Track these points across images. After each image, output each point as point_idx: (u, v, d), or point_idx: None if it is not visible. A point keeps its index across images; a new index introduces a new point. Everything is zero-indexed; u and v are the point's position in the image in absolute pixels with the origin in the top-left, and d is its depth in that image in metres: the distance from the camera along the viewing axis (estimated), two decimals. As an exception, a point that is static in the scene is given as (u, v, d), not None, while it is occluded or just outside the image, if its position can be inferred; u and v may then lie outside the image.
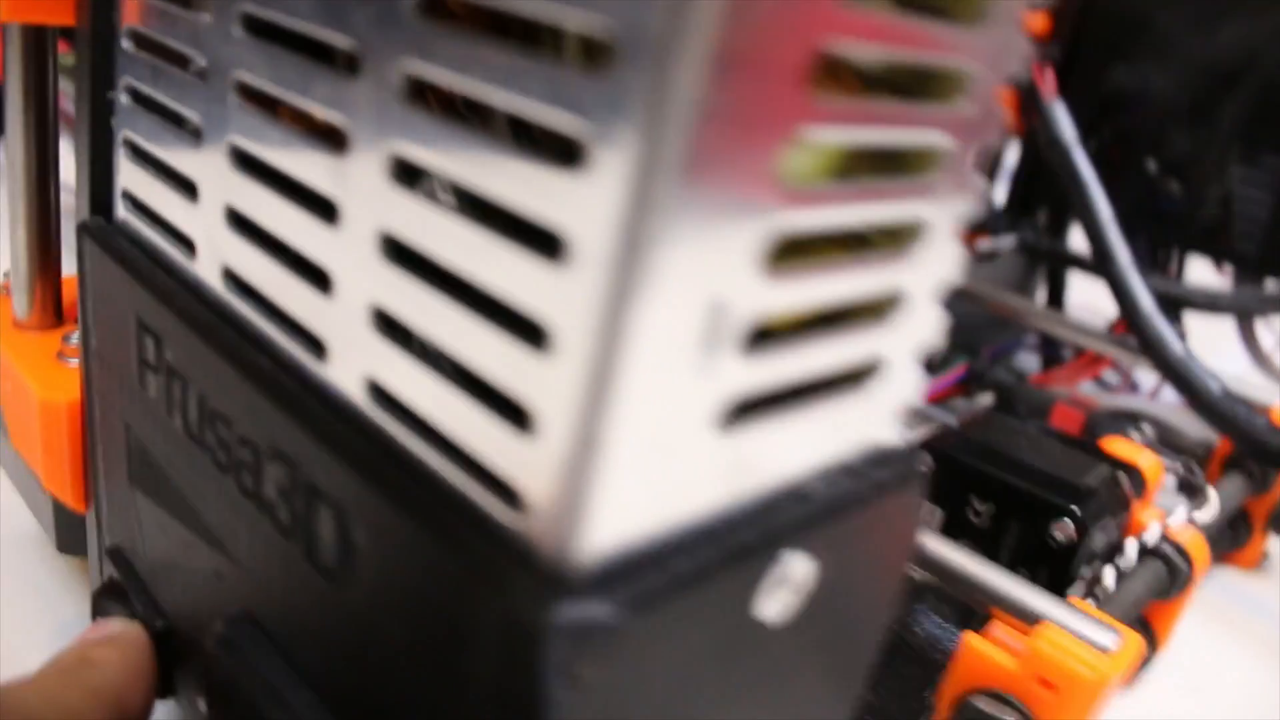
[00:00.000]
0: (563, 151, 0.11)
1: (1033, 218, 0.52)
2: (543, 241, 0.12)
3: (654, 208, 0.11)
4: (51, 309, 0.26)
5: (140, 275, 0.19)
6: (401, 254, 0.14)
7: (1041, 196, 0.52)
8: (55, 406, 0.23)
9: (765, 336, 0.13)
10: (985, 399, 0.46)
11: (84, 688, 0.18)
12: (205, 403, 0.18)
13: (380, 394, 0.15)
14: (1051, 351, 0.53)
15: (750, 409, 0.14)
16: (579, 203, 0.11)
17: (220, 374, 0.17)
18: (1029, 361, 0.55)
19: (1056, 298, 0.55)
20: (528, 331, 0.12)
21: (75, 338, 0.25)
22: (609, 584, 0.12)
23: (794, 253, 0.13)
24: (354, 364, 0.15)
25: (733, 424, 0.13)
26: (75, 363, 0.25)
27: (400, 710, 0.15)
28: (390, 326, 0.14)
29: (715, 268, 0.12)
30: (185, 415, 0.18)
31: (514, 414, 0.13)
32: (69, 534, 0.26)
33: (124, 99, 0.20)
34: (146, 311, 0.19)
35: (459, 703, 0.13)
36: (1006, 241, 0.50)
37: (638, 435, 0.12)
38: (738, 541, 0.14)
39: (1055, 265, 0.53)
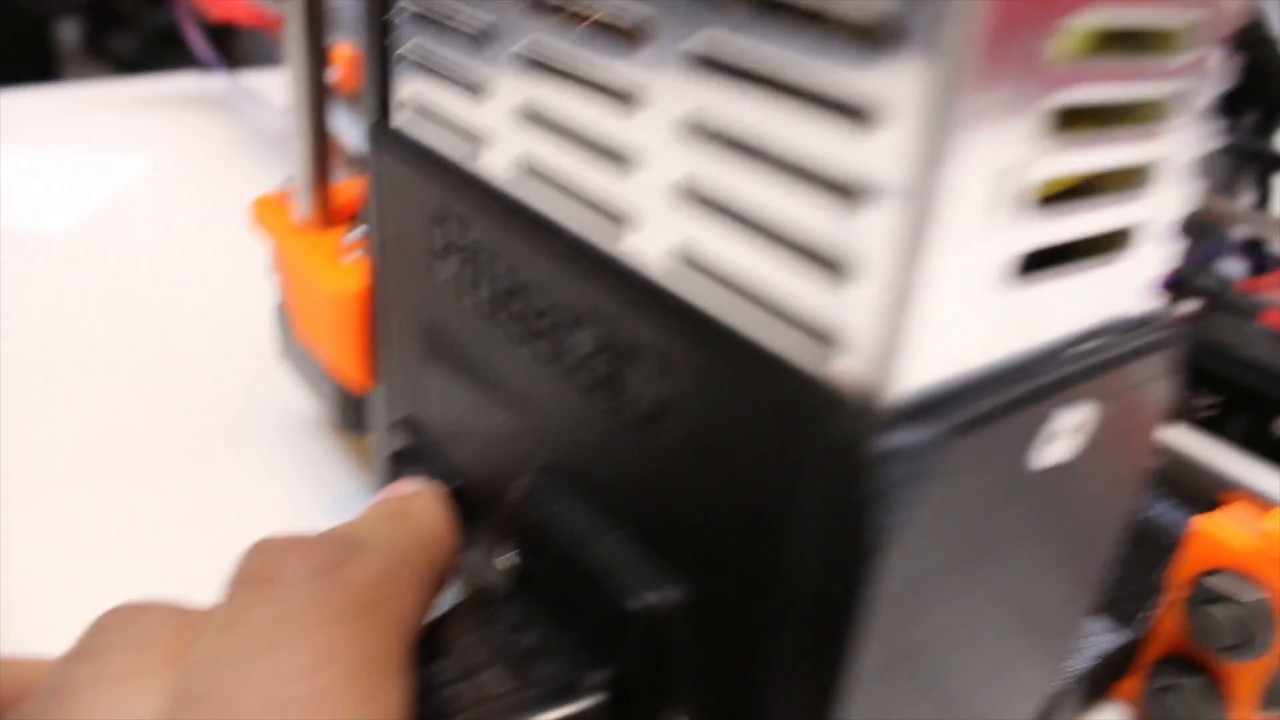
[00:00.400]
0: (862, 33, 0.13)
1: (1240, 117, 0.50)
2: (852, 112, 0.13)
3: (956, 86, 0.12)
4: (326, 211, 0.29)
5: (431, 171, 0.21)
6: (708, 132, 0.15)
7: (1251, 95, 0.50)
8: (341, 297, 0.26)
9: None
10: (1190, 305, 0.45)
11: (407, 531, 0.20)
12: (503, 280, 0.20)
13: (687, 259, 0.16)
14: (1258, 258, 0.51)
15: (1027, 269, 0.15)
16: (898, 81, 0.13)
17: (521, 252, 0.19)
18: (1234, 269, 0.53)
19: (1264, 200, 0.53)
20: (840, 191, 0.14)
21: (356, 234, 0.28)
22: (921, 417, 0.14)
23: (1064, 124, 0.14)
24: (658, 233, 0.17)
25: (1015, 280, 0.15)
26: (355, 257, 0.27)
27: (714, 544, 0.16)
28: (695, 196, 0.16)
29: (1005, 135, 0.13)
30: (480, 294, 0.20)
31: (827, 267, 0.14)
32: (350, 414, 0.30)
33: (403, 15, 0.22)
34: (439, 202, 0.21)
35: (780, 536, 0.15)
36: (1213, 142, 0.48)
37: (945, 284, 0.13)
38: (1021, 390, 0.15)
39: (1264, 167, 0.51)
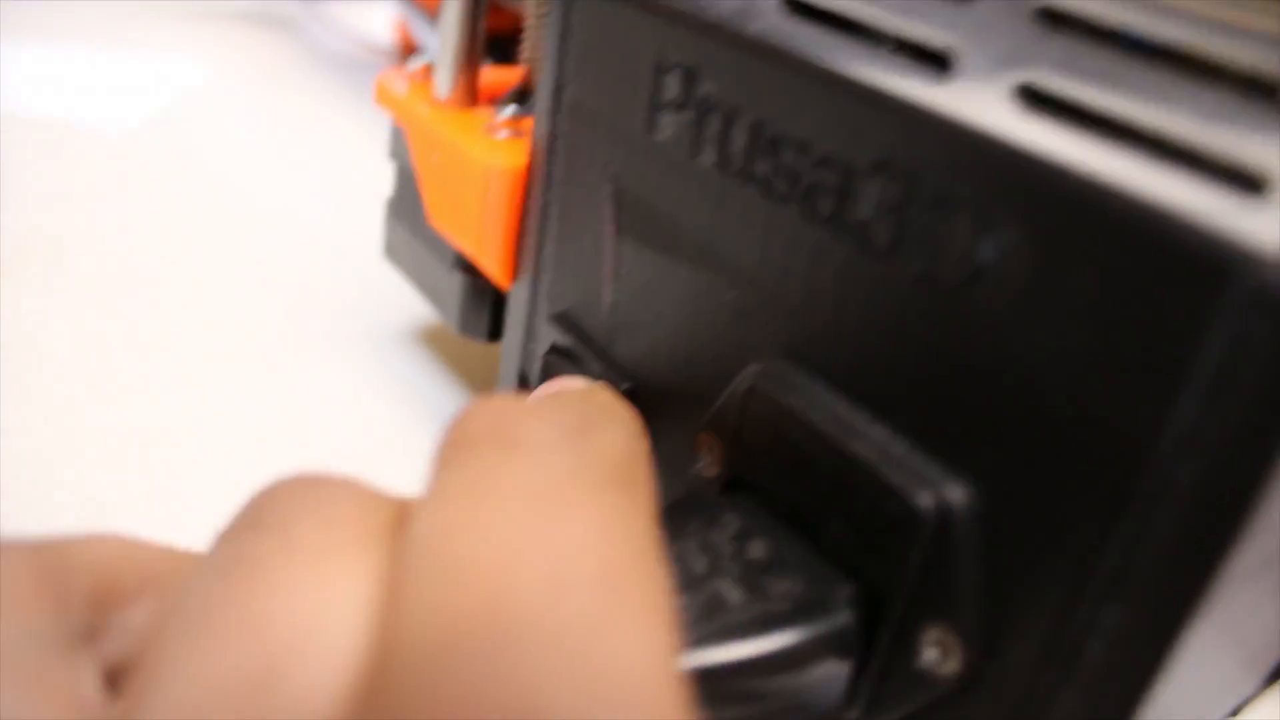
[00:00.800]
0: None
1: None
2: None
3: None
4: (470, 90, 0.27)
5: (660, 15, 0.19)
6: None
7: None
8: (502, 172, 0.23)
9: None
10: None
11: (617, 414, 0.17)
12: (762, 131, 0.17)
13: (1036, 96, 0.14)
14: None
15: None
16: None
17: (798, 97, 0.16)
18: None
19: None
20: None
21: (508, 112, 0.25)
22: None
23: None
24: (998, 71, 0.14)
25: None
26: (505, 135, 0.25)
27: (1031, 431, 0.14)
28: (1060, 18, 0.13)
29: None
30: (723, 150, 0.18)
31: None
32: (472, 316, 0.27)
33: None
34: (676, 47, 0.18)
35: (1151, 417, 0.13)
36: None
37: None
38: None
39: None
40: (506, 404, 0.14)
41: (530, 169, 0.23)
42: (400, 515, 0.13)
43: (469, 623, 0.11)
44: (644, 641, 0.11)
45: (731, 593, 0.16)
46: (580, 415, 0.14)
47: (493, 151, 0.24)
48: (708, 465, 0.19)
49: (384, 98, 0.28)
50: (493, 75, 0.28)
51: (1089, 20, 0.13)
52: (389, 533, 0.13)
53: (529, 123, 0.25)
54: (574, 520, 0.12)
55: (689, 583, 0.16)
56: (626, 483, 0.14)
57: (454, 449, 0.14)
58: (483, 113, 0.26)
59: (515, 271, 0.24)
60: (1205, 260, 0.12)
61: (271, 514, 0.13)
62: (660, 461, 0.21)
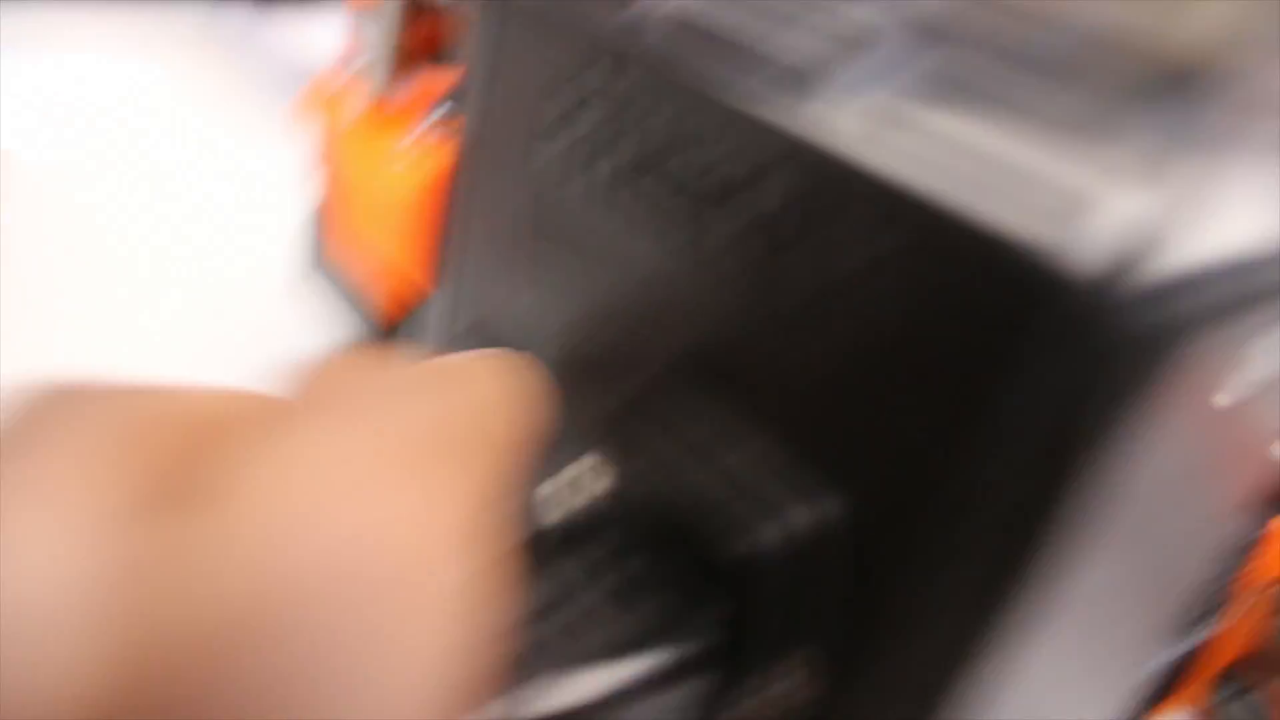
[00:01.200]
0: None
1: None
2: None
3: None
4: (393, 103, 0.27)
5: (559, 35, 0.19)
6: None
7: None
8: (416, 186, 0.24)
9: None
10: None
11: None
12: (647, 144, 0.18)
13: (890, 118, 0.15)
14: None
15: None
16: None
17: (677, 111, 0.17)
18: None
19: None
20: None
21: (445, 109, 0.26)
22: (1173, 299, 0.12)
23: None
24: (860, 89, 0.15)
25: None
26: (433, 143, 0.25)
27: (882, 446, 0.15)
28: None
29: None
30: (613, 164, 0.18)
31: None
32: (394, 325, 0.27)
33: None
34: (565, 69, 0.19)
35: (974, 433, 0.13)
36: None
37: (1237, 139, 0.12)
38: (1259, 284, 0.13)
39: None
40: (343, 364, 0.13)
41: (455, 172, 0.24)
42: (198, 440, 0.11)
43: (232, 612, 0.10)
44: (419, 647, 0.11)
45: (602, 607, 0.16)
46: (436, 375, 0.13)
47: (401, 174, 0.24)
48: (602, 477, 0.19)
49: (304, 110, 0.29)
50: (433, 78, 0.28)
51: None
52: (168, 473, 0.11)
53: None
54: (380, 499, 0.11)
55: (563, 593, 0.16)
56: (464, 454, 0.12)
57: (274, 414, 0.12)
58: (398, 129, 0.27)
59: (434, 280, 0.25)
60: (1020, 278, 0.13)
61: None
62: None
